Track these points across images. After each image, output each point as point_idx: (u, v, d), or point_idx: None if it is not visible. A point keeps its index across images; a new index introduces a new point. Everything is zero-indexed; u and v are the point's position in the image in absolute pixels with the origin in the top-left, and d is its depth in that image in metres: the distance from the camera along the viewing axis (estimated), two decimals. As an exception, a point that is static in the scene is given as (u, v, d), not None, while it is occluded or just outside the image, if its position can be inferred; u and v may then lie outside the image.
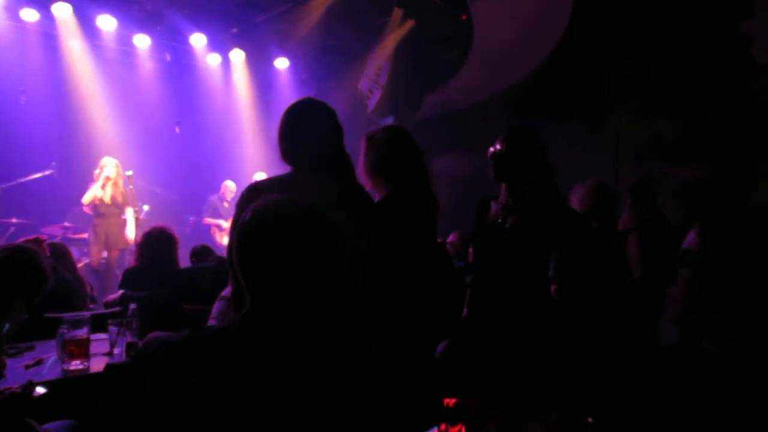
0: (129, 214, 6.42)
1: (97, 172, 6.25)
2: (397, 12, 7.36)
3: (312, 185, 1.85)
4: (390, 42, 7.67)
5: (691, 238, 2.27)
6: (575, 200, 3.33)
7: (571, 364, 2.14)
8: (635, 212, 3.36)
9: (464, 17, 7.08)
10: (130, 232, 6.42)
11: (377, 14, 7.56)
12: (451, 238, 4.95)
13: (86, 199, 6.16)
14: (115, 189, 6.26)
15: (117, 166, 6.29)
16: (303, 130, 2.02)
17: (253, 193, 1.96)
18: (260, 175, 7.34)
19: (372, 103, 8.37)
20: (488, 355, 2.11)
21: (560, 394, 2.07)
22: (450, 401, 1.49)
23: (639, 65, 5.91)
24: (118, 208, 6.32)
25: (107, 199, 6.21)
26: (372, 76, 8.23)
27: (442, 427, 1.50)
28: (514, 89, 7.10)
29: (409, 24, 7.50)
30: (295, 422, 1.04)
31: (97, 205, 6.21)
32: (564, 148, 6.20)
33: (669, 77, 5.74)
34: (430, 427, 1.54)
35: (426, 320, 2.17)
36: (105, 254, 6.41)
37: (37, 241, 3.35)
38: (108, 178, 6.18)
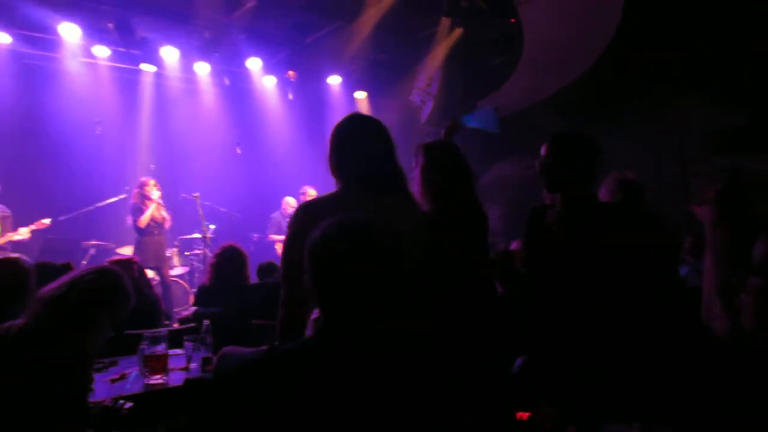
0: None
1: (137, 191, 6.48)
2: (445, 21, 7.38)
3: (363, 203, 1.83)
4: (439, 52, 7.69)
5: (760, 246, 2.17)
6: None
7: (654, 374, 2.06)
8: (723, 209, 3.09)
9: (513, 21, 7.01)
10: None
11: (425, 25, 7.60)
12: (514, 245, 4.86)
13: (144, 221, 6.37)
14: (161, 208, 6.54)
15: (158, 186, 6.55)
16: (350, 146, 2.02)
17: (304, 212, 1.97)
18: (309, 189, 7.55)
19: (425, 113, 8.40)
20: (566, 368, 2.05)
21: (642, 407, 1.99)
22: (524, 415, 1.48)
23: (703, 55, 5.67)
24: (159, 225, 6.57)
25: (159, 218, 6.47)
26: (423, 86, 8.27)
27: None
28: (569, 89, 6.97)
29: (458, 32, 7.50)
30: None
31: (147, 225, 6.41)
32: (625, 145, 6.03)
33: (737, 66, 5.48)
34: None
35: (488, 334, 2.14)
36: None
37: (129, 262, 3.58)
38: (158, 201, 6.45)
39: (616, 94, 6.47)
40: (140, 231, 6.44)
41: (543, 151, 2.33)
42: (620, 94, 6.44)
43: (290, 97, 8.43)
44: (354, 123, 2.10)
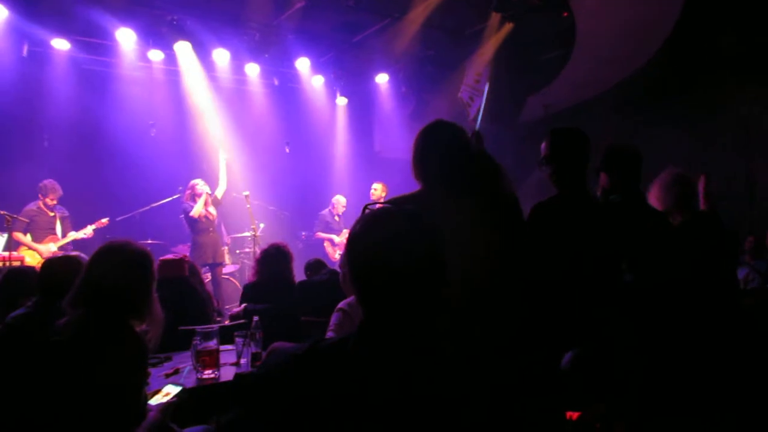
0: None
1: (189, 192, 6.69)
2: (495, 17, 7.25)
3: (443, 201, 1.92)
4: (488, 48, 7.57)
5: None
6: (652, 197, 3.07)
7: (710, 374, 1.98)
8: None
9: (566, 14, 6.83)
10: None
11: (474, 21, 7.50)
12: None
13: (197, 211, 6.54)
14: (208, 205, 6.70)
15: (206, 184, 6.72)
16: (428, 151, 2.11)
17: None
18: (340, 198, 7.66)
19: (473, 110, 8.30)
20: (618, 365, 2.00)
21: (697, 407, 1.91)
22: (573, 414, 1.43)
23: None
24: (215, 222, 6.75)
25: (209, 215, 6.64)
26: (471, 83, 8.17)
27: (565, 441, 1.43)
28: (625, 83, 6.73)
29: (508, 27, 7.36)
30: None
31: (200, 222, 6.59)
32: (685, 141, 5.77)
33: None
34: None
35: (536, 331, 2.10)
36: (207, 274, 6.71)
37: (181, 261, 3.67)
38: (208, 194, 6.63)
39: (676, 88, 6.20)
40: (194, 230, 6.63)
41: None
42: (680, 88, 6.17)
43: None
44: (438, 128, 2.18)
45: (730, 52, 5.61)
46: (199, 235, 6.62)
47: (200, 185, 6.66)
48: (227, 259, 7.45)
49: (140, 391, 1.78)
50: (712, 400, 2.12)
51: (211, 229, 6.68)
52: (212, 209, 6.73)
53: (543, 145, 2.42)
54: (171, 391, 2.24)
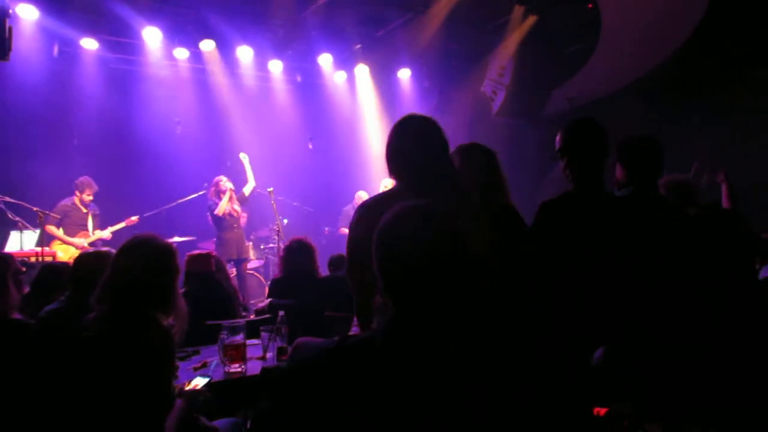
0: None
1: (213, 189, 6.75)
2: (518, 10, 7.18)
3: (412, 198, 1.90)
4: (512, 41, 7.50)
5: None
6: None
7: (745, 372, 1.94)
8: None
9: (590, 6, 6.72)
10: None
11: (498, 14, 7.43)
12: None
13: (221, 209, 6.62)
14: (233, 202, 6.77)
15: (230, 181, 6.78)
16: (405, 147, 2.06)
17: (366, 210, 2.05)
18: (362, 194, 7.64)
19: (496, 105, 8.24)
20: (650, 362, 1.97)
21: (730, 406, 1.88)
22: (601, 411, 1.42)
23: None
24: (237, 219, 6.81)
25: (233, 212, 6.71)
26: (495, 77, 8.11)
27: (592, 437, 1.43)
28: (651, 75, 6.60)
29: (531, 20, 7.28)
30: (437, 427, 1.05)
31: (225, 219, 6.67)
32: (714, 136, 5.64)
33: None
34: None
35: (565, 326, 2.09)
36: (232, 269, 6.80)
37: (207, 256, 3.73)
38: (232, 191, 6.70)
39: (705, 81, 6.05)
40: (219, 226, 6.71)
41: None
42: (709, 80, 6.02)
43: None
44: (409, 123, 2.12)
45: (761, 43, 5.46)
46: (224, 232, 6.70)
47: (224, 182, 6.73)
48: (252, 254, 7.53)
49: (168, 384, 1.82)
50: (736, 399, 2.08)
51: (235, 225, 6.77)
52: (237, 206, 6.81)
53: (557, 137, 2.37)
54: (199, 382, 2.28)
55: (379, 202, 2.09)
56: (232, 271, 6.68)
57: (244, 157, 6.98)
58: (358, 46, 7.96)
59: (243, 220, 7.04)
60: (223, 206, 6.63)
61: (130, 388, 1.72)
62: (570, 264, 2.15)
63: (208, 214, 6.80)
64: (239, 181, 6.99)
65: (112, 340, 1.78)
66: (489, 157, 2.53)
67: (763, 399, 2.15)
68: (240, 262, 6.81)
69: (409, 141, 2.06)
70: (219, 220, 6.70)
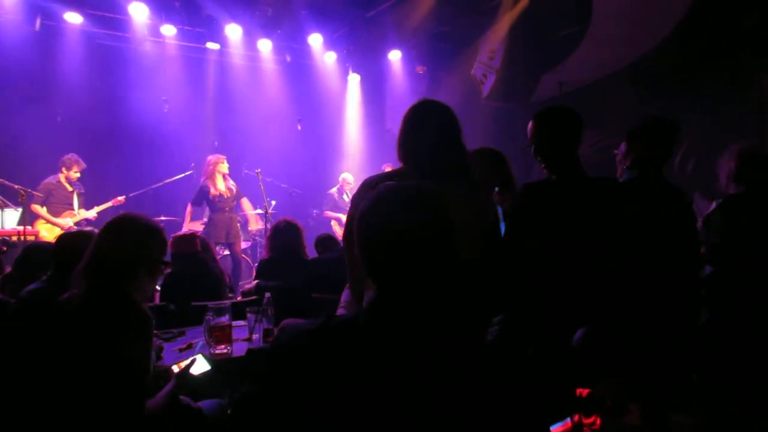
0: (246, 205, 6.88)
1: (205, 169, 6.63)
2: (510, -8, 7.14)
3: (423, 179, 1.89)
4: (503, 24, 7.45)
5: None
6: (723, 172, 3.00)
7: (727, 351, 1.97)
8: None
9: (582, -10, 6.69)
10: (253, 223, 6.91)
11: (489, -3, 7.39)
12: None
13: (212, 192, 6.49)
14: (227, 182, 6.67)
15: (224, 160, 6.66)
16: (416, 133, 2.07)
17: (366, 189, 2.05)
18: (347, 176, 7.58)
19: (486, 88, 8.21)
20: (630, 342, 1.99)
21: (712, 384, 1.91)
22: (583, 391, 1.43)
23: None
24: (232, 201, 6.71)
25: (225, 192, 6.59)
26: (485, 60, 8.07)
27: (575, 418, 1.44)
28: (642, 60, 6.60)
29: (523, 3, 7.24)
30: (420, 410, 1.05)
31: (215, 201, 6.55)
32: (703, 123, 5.67)
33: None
34: (562, 418, 1.49)
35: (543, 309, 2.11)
36: (224, 250, 6.76)
37: (192, 236, 3.70)
38: (221, 172, 6.57)
39: (696, 66, 6.06)
40: (211, 208, 6.62)
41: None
42: (700, 66, 6.03)
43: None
44: (422, 109, 2.12)
45: (751, 31, 5.47)
46: (215, 214, 6.62)
47: (216, 162, 6.61)
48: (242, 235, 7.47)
49: (144, 363, 1.80)
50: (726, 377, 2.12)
51: (227, 208, 6.66)
52: (231, 184, 6.69)
53: (528, 126, 2.35)
54: (199, 360, 2.28)
55: (380, 181, 2.09)
56: (223, 251, 6.65)
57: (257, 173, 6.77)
58: (348, 26, 7.87)
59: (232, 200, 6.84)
60: (213, 190, 6.49)
61: (104, 367, 1.70)
62: (549, 245, 2.16)
63: (200, 192, 6.65)
64: (227, 159, 6.89)
65: (88, 318, 1.77)
66: (501, 160, 2.80)
67: (744, 376, 2.18)
68: (230, 245, 6.71)
69: (426, 126, 2.06)
70: (209, 202, 6.61)
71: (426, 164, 2.01)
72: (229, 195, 6.65)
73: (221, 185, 6.58)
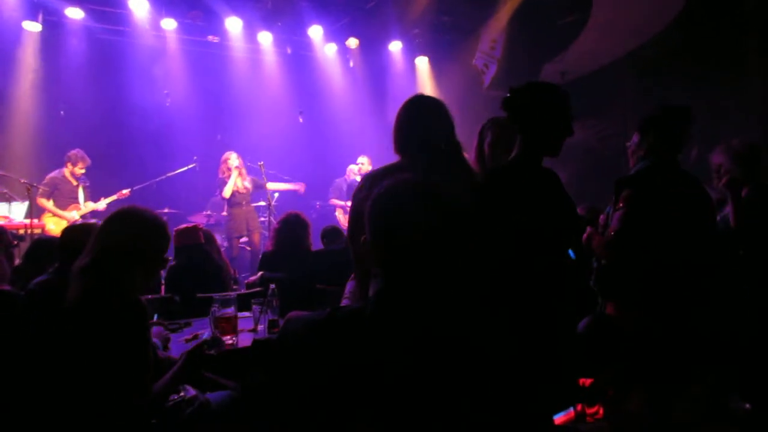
0: (273, 186, 7.04)
1: (223, 167, 6.74)
2: (511, -19, 7.09)
3: (423, 172, 1.91)
4: (504, 13, 7.41)
5: None
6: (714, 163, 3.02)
7: (727, 339, 1.99)
8: None
9: (583, -22, 6.65)
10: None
11: (490, -14, 7.34)
12: (579, 211, 4.69)
13: (227, 192, 6.62)
14: (244, 180, 6.77)
15: (239, 157, 6.77)
16: (412, 126, 2.16)
17: (370, 180, 2.11)
18: (355, 168, 7.65)
19: (488, 78, 8.17)
20: (633, 332, 2.01)
21: (712, 373, 1.92)
22: (586, 381, 1.45)
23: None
24: (250, 194, 6.86)
25: (242, 189, 6.72)
26: (486, 50, 8.03)
27: (578, 407, 1.45)
28: (644, 49, 6.58)
29: (524, -8, 7.20)
30: (424, 400, 1.07)
31: (233, 196, 6.69)
32: (702, 111, 5.65)
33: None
34: (565, 408, 1.51)
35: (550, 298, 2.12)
36: (245, 239, 6.94)
37: (195, 229, 3.72)
38: (239, 168, 6.68)
39: (697, 56, 6.03)
40: (229, 203, 6.76)
41: None
42: (701, 56, 6.00)
43: (351, 64, 8.44)
44: (421, 102, 2.21)
45: (753, 20, 5.44)
46: (233, 208, 6.77)
47: (232, 159, 6.72)
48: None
49: (143, 354, 1.82)
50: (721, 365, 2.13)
51: (244, 202, 6.80)
52: (247, 182, 6.81)
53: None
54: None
55: (383, 173, 2.14)
56: (224, 244, 6.72)
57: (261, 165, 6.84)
58: (349, 18, 7.83)
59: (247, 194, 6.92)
60: (229, 189, 6.62)
61: (102, 360, 1.72)
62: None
63: (218, 189, 6.82)
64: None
65: (89, 310, 1.78)
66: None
67: (741, 363, 2.20)
68: (251, 237, 6.90)
69: (421, 118, 2.15)
70: (228, 199, 6.73)
71: (420, 158, 2.07)
72: (245, 191, 6.78)
73: (239, 182, 6.70)
